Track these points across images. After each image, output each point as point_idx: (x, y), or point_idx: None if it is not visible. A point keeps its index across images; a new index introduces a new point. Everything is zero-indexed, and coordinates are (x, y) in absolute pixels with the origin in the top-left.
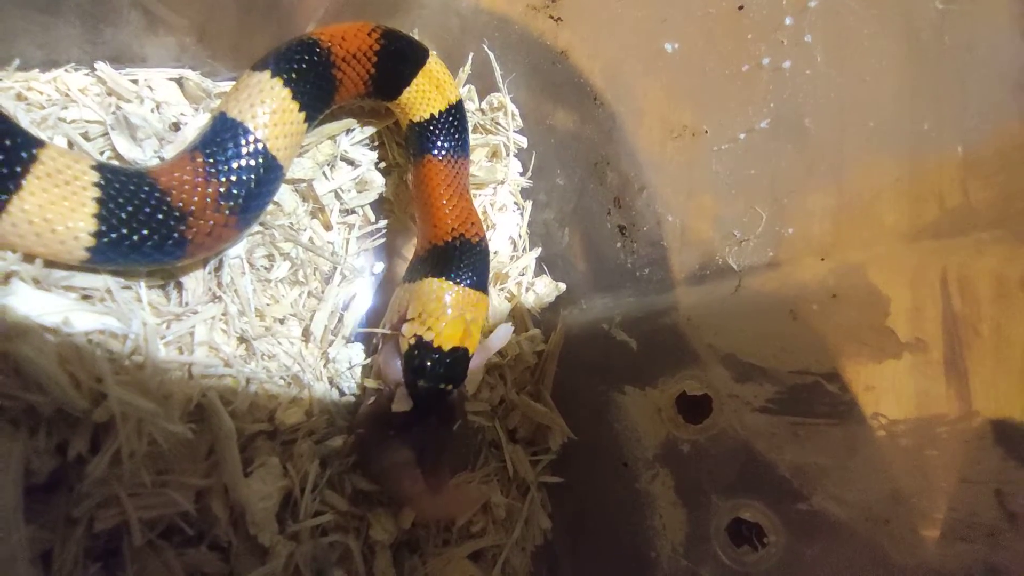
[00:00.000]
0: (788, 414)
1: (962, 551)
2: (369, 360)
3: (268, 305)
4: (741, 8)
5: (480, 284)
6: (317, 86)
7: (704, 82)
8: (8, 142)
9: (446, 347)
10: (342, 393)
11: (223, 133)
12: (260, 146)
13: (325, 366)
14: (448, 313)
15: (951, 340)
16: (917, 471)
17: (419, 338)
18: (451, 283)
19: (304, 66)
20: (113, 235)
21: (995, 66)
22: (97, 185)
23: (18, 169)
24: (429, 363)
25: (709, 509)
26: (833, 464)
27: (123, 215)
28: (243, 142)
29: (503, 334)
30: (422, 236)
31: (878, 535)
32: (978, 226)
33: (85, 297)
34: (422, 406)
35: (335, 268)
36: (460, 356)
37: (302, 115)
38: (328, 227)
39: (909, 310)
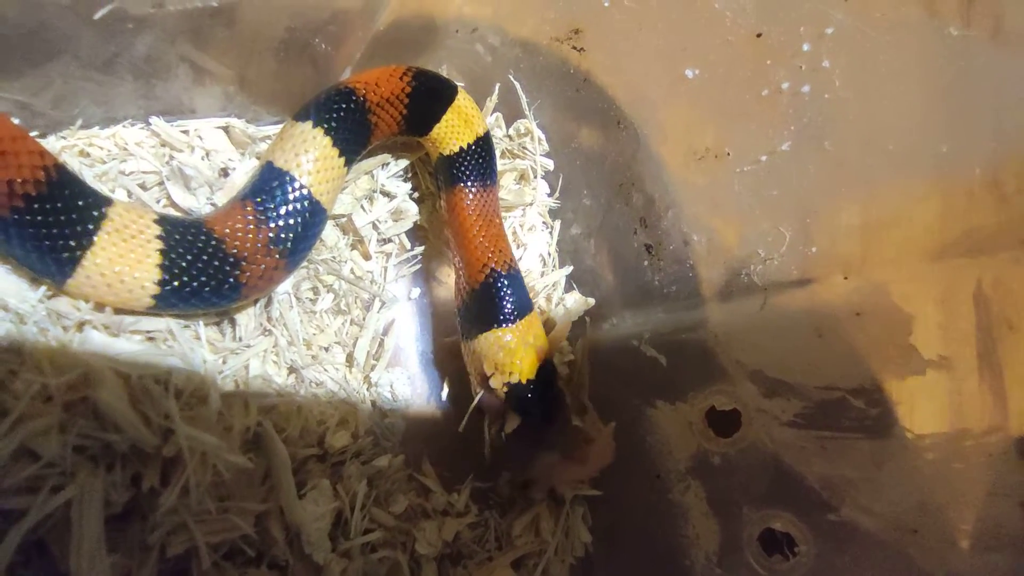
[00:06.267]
0: (816, 428)
1: (990, 561)
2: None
3: (314, 335)
4: (759, 35)
5: (524, 309)
6: (355, 132)
7: (725, 106)
8: (81, 203)
9: (532, 375)
10: (384, 415)
11: (271, 182)
12: (305, 192)
13: (368, 389)
14: (516, 352)
15: (980, 355)
16: (944, 483)
17: (508, 384)
18: (503, 328)
19: (342, 114)
20: (175, 283)
21: (1013, 85)
22: (159, 237)
23: (90, 227)
24: (529, 395)
25: (740, 519)
26: (861, 476)
27: (184, 264)
28: (289, 190)
29: (560, 326)
30: (459, 275)
31: (907, 545)
32: (1006, 244)
33: (150, 339)
34: (542, 421)
35: (374, 296)
36: (546, 371)
37: (342, 160)
38: (367, 257)
39: (936, 326)
